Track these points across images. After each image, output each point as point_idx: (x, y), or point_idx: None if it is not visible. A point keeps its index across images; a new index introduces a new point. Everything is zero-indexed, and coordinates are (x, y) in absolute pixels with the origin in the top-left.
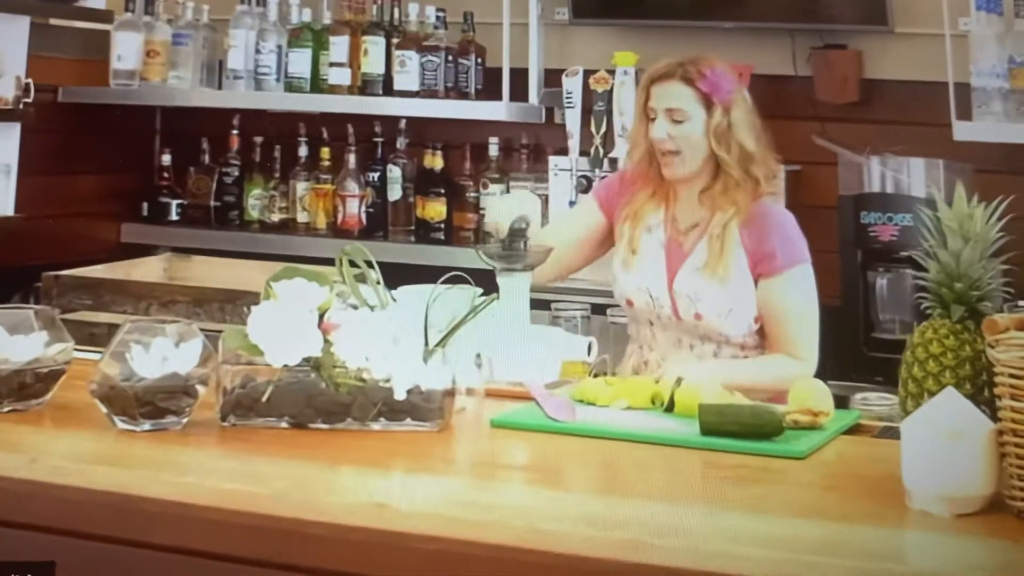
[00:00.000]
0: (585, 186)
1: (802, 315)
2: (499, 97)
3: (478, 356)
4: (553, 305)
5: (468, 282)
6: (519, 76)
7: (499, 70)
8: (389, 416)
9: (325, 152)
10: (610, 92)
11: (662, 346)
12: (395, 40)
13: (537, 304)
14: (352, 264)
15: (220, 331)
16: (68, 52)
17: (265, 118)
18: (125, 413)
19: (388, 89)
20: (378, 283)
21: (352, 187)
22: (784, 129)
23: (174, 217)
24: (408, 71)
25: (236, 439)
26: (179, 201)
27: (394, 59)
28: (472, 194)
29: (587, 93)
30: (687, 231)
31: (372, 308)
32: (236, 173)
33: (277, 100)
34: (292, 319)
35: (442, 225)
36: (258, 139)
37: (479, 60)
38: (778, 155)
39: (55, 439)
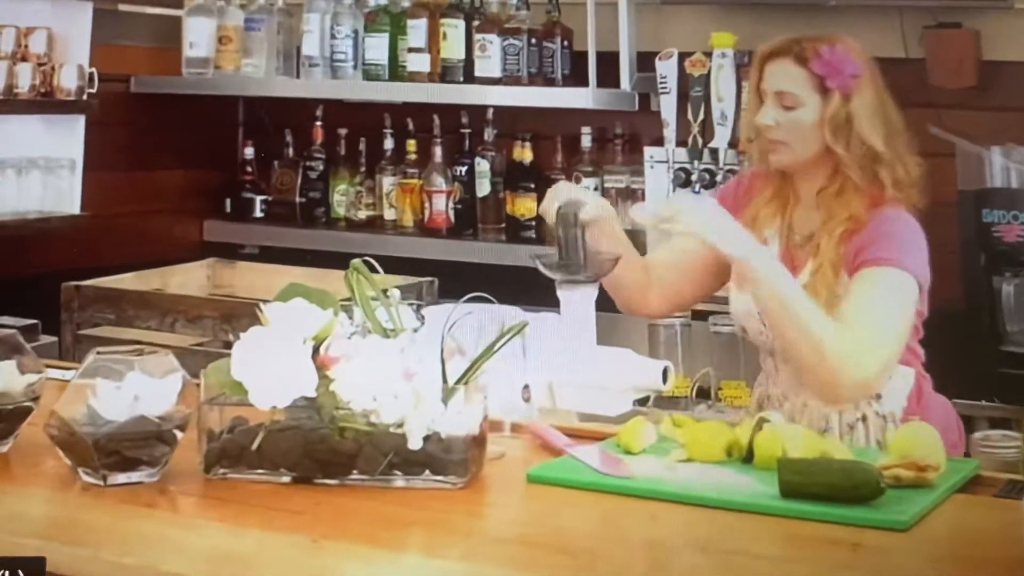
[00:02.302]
0: (684, 179)
1: (875, 314)
2: (587, 83)
3: (526, 388)
4: None
5: (491, 301)
6: (610, 60)
7: (587, 54)
8: (404, 469)
9: (411, 144)
10: (707, 76)
11: (785, 382)
12: (475, 23)
13: None
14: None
15: None
16: (139, 40)
17: (347, 108)
18: (87, 464)
19: (469, 76)
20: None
21: (439, 182)
22: None
23: (258, 214)
24: (489, 56)
25: (219, 497)
26: (263, 197)
27: (474, 43)
28: None
29: (683, 78)
30: (803, 244)
31: (387, 334)
32: (320, 167)
33: (353, 89)
34: (283, 351)
35: (533, 222)
36: (342, 131)
37: (565, 43)
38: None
39: (3, 496)
